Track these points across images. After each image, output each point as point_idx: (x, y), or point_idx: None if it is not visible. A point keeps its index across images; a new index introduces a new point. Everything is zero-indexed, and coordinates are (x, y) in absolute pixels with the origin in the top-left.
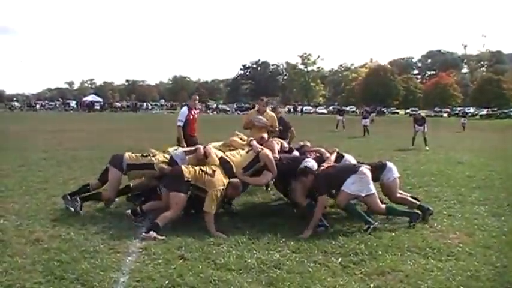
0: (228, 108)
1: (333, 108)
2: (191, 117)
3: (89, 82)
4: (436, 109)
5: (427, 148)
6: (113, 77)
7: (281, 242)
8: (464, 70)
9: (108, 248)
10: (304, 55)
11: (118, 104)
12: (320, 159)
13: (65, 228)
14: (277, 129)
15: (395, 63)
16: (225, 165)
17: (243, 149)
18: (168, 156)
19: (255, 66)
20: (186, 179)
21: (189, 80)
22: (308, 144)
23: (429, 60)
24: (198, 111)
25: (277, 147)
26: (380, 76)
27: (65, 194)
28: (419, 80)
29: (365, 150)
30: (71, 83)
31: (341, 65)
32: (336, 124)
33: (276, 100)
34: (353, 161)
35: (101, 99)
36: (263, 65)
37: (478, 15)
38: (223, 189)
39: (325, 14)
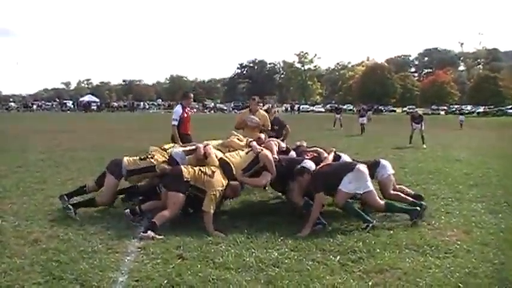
0: (225, 108)
1: (330, 107)
2: (185, 115)
3: (85, 82)
4: (433, 107)
5: (425, 146)
6: (110, 77)
7: (279, 240)
8: (461, 68)
9: (107, 248)
10: (301, 54)
11: (115, 104)
12: (318, 160)
13: (63, 228)
14: (269, 128)
15: (392, 61)
16: (224, 166)
17: (242, 150)
18: (167, 154)
19: (252, 65)
20: (185, 179)
21: (186, 79)
22: (304, 144)
23: (426, 58)
24: (194, 110)
25: (275, 148)
26: (377, 74)
27: (61, 194)
28: (416, 78)
29: (362, 148)
30: (67, 83)
31: (338, 64)
32: (333, 122)
33: (273, 99)
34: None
35: (97, 99)
36: (260, 63)
37: (474, 13)
38: (222, 190)
39: (321, 13)
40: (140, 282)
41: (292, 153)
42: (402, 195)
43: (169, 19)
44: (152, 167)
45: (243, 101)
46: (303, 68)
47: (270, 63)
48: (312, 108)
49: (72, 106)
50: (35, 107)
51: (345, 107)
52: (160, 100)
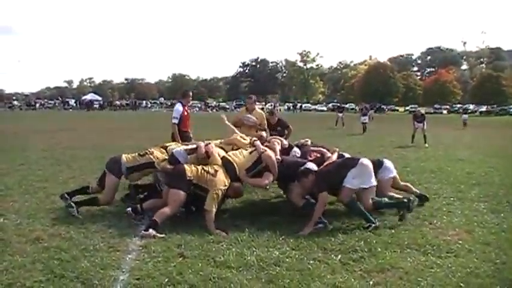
0: (227, 106)
1: (333, 106)
2: (185, 113)
3: (88, 81)
4: (435, 106)
5: (427, 145)
6: (112, 75)
7: (281, 239)
8: (464, 67)
9: (108, 246)
10: (304, 52)
11: (117, 103)
12: (320, 161)
13: (64, 226)
14: (266, 127)
15: (395, 60)
16: (227, 165)
17: (246, 149)
18: (165, 152)
19: (254, 63)
20: (188, 178)
21: (188, 78)
22: (309, 142)
23: (429, 57)
24: (197, 109)
25: (278, 147)
26: (379, 73)
27: (62, 193)
28: (418, 77)
29: (365, 147)
30: (70, 82)
31: (340, 62)
32: (335, 121)
33: (275, 98)
34: None
35: (100, 98)
36: (262, 62)
37: (477, 11)
38: (224, 189)
39: (324, 11)
40: (141, 280)
41: (296, 149)
42: (396, 196)
43: (172, 18)
44: (151, 163)
45: (244, 100)
46: (305, 67)
47: (272, 62)
48: (314, 107)
49: (74, 105)
50: (37, 105)
51: (347, 106)
52: (163, 99)
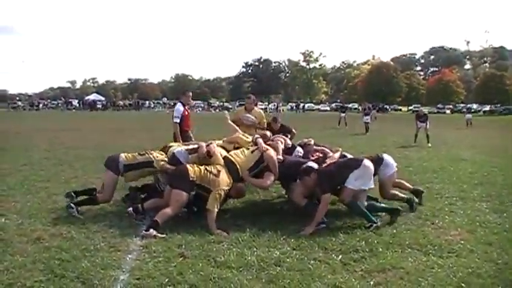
0: (230, 106)
1: (336, 106)
2: (186, 113)
3: (91, 81)
4: (439, 106)
5: (430, 145)
6: (115, 75)
7: (282, 239)
8: (467, 66)
9: (109, 246)
10: (306, 52)
11: (120, 103)
12: (323, 161)
13: (66, 226)
14: (265, 126)
15: (398, 59)
16: (229, 165)
17: (247, 148)
18: (165, 154)
19: (257, 63)
20: (191, 178)
21: (191, 78)
22: (312, 142)
23: (432, 57)
24: (200, 109)
25: (281, 146)
26: (382, 73)
27: (69, 191)
28: (422, 77)
29: (367, 147)
30: (73, 82)
31: (343, 62)
32: (338, 121)
33: (279, 98)
34: None
35: (103, 98)
36: (265, 62)
37: (480, 11)
38: (227, 189)
39: (327, 11)
40: (141, 280)
41: (299, 149)
42: (400, 195)
43: (175, 18)
44: (150, 162)
45: None
46: (308, 67)
47: (275, 62)
48: (317, 107)
49: (77, 105)
50: (40, 105)
51: (350, 105)
52: (166, 99)
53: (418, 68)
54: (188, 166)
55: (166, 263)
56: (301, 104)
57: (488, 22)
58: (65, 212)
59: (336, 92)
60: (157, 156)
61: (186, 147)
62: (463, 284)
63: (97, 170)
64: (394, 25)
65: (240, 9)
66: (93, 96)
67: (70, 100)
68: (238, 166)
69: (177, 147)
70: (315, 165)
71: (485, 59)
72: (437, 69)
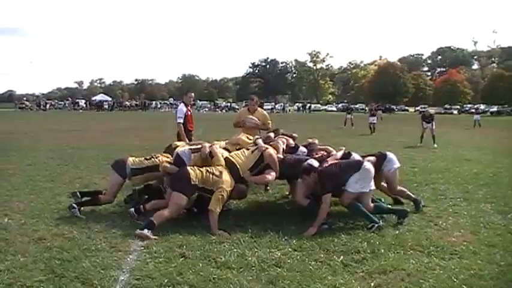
0: (237, 107)
1: (342, 106)
2: (189, 113)
3: (98, 81)
4: (446, 106)
5: (435, 145)
6: (123, 76)
7: (283, 240)
8: (475, 67)
9: (110, 246)
10: (313, 53)
11: (127, 103)
12: (327, 159)
13: (68, 226)
14: (270, 126)
15: (405, 60)
16: (230, 166)
17: (248, 148)
18: (171, 157)
19: (264, 64)
20: (192, 182)
21: (198, 78)
22: (316, 141)
23: (439, 57)
24: (206, 109)
25: (282, 146)
26: (389, 73)
27: (74, 191)
28: (429, 77)
29: (373, 147)
30: (80, 83)
31: (350, 63)
32: (344, 122)
33: (285, 98)
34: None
35: (109, 98)
36: (272, 62)
37: (488, 11)
38: (230, 190)
39: (334, 12)
40: (141, 280)
41: (302, 149)
42: (407, 192)
43: (182, 19)
44: (156, 166)
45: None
46: (315, 67)
47: (282, 62)
48: (323, 107)
49: (84, 105)
50: (48, 106)
51: (357, 106)
52: (172, 99)
53: (425, 69)
54: (190, 170)
55: (166, 264)
56: (308, 105)
57: (496, 22)
58: (67, 212)
59: (342, 92)
60: (162, 161)
61: (189, 147)
62: (464, 286)
63: (101, 171)
64: (401, 25)
65: (247, 9)
66: (99, 97)
67: (77, 100)
68: (238, 166)
69: (181, 148)
70: (316, 163)
71: (493, 59)
72: (444, 69)
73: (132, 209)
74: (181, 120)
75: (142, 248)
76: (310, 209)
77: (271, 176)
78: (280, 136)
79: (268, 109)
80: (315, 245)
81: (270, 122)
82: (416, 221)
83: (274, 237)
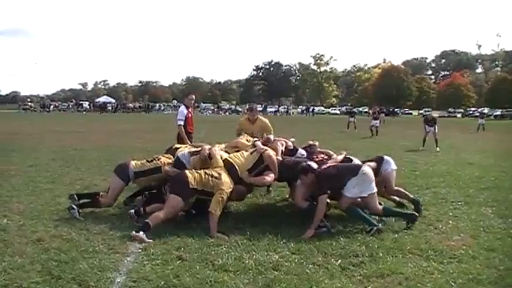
0: (240, 109)
1: (346, 109)
2: (189, 115)
3: (102, 83)
4: (450, 110)
5: (438, 149)
6: (127, 78)
7: (281, 243)
8: (479, 70)
9: (108, 248)
10: (317, 56)
11: (130, 105)
12: (325, 163)
13: (67, 228)
14: (271, 132)
15: (409, 63)
16: (229, 168)
17: (247, 150)
18: (172, 158)
19: (267, 66)
20: (191, 186)
21: (202, 80)
22: (317, 144)
23: (443, 61)
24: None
25: (281, 148)
26: (393, 76)
27: (72, 193)
28: (432, 81)
29: (376, 150)
30: (84, 84)
31: (354, 66)
32: (346, 125)
33: (289, 101)
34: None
35: (113, 100)
36: (276, 65)
37: (492, 14)
38: (229, 191)
39: (338, 15)
40: (137, 283)
41: (301, 152)
42: (405, 192)
43: (186, 21)
44: (158, 168)
45: (259, 103)
46: (318, 70)
47: (285, 65)
48: (327, 110)
49: (88, 107)
50: (51, 107)
51: (360, 109)
52: (176, 101)
53: (429, 72)
54: (188, 173)
55: (163, 266)
56: (311, 108)
57: (500, 26)
58: (67, 214)
59: (346, 95)
60: (164, 163)
61: (189, 149)
62: None
63: (102, 172)
64: (405, 29)
65: (251, 12)
66: (103, 99)
67: (81, 102)
68: (237, 167)
69: (182, 151)
70: (314, 165)
71: (496, 62)
72: (448, 73)
73: (132, 211)
74: (182, 122)
75: (140, 250)
76: (309, 211)
77: (270, 177)
78: (279, 139)
79: (272, 112)
80: (313, 248)
81: (271, 130)
82: (416, 224)
83: (272, 240)
